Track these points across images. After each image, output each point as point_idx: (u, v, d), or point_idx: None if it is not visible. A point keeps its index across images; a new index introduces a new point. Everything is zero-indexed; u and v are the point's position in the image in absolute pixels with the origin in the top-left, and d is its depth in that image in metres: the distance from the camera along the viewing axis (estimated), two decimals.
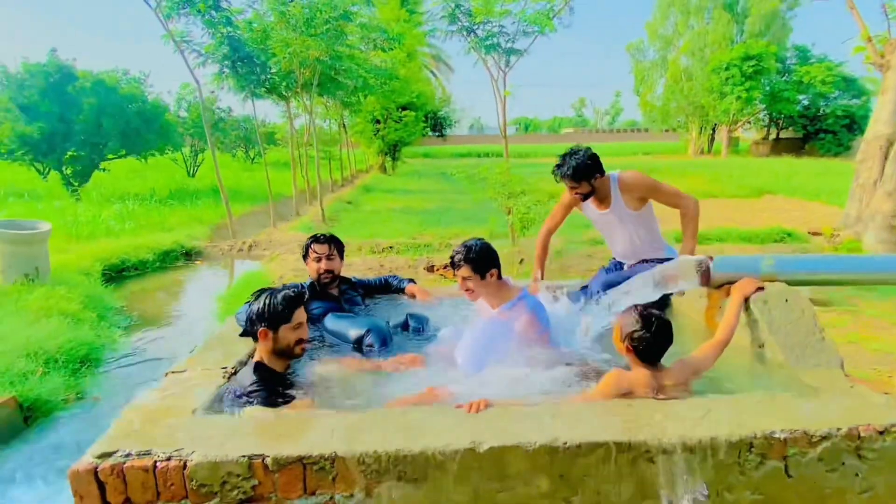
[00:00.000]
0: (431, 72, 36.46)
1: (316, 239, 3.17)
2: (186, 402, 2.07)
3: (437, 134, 36.68)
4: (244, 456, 1.71)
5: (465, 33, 7.37)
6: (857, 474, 1.88)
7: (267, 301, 2.27)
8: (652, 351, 2.17)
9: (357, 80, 12.44)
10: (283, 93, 12.49)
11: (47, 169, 13.67)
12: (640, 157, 41.45)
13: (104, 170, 14.53)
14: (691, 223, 3.19)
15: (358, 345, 2.78)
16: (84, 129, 12.98)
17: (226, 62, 10.50)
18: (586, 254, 8.11)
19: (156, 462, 1.71)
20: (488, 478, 1.78)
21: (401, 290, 3.41)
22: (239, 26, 10.51)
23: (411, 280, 3.47)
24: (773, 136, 40.72)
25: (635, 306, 2.23)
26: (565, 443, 1.79)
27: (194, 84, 10.58)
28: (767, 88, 35.17)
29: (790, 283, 2.70)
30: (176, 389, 2.19)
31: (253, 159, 27.54)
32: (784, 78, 36.33)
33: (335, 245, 3.17)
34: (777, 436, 1.84)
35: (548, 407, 2.00)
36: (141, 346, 4.94)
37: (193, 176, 20.42)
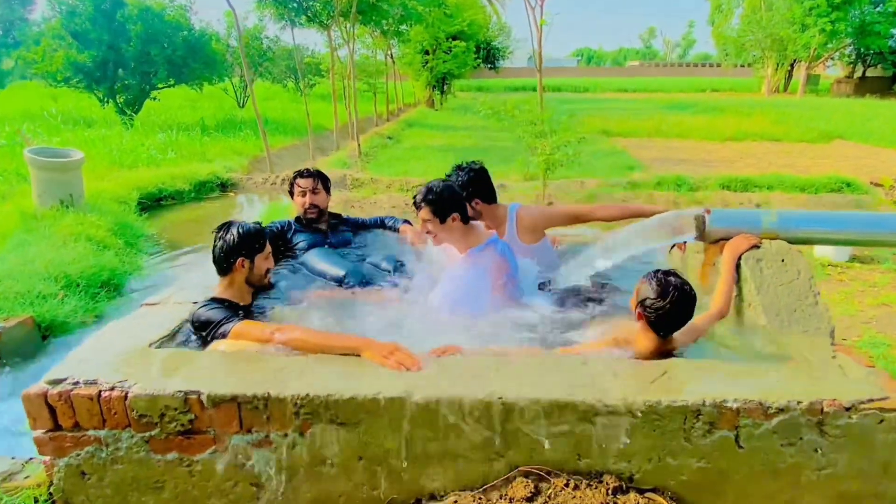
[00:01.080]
0: None
1: (300, 173, 3.13)
2: (147, 334, 2.13)
3: (489, 66, 35.29)
4: (181, 391, 1.77)
5: None
6: (816, 450, 1.77)
7: (240, 231, 2.29)
8: (666, 323, 2.03)
9: (398, 7, 12.01)
10: (325, 21, 12.25)
11: (105, 97, 14.10)
12: (709, 94, 38.89)
13: (155, 98, 14.85)
14: (612, 209, 3.13)
15: (337, 285, 2.79)
16: (133, 56, 13.20)
17: None
18: (621, 199, 7.80)
19: (100, 392, 1.79)
20: (419, 426, 1.77)
21: (395, 230, 3.36)
22: None
23: (406, 221, 3.40)
24: (858, 74, 37.14)
25: (657, 271, 2.07)
26: (500, 398, 1.76)
27: (235, 11, 10.49)
28: (856, 20, 31.73)
29: (792, 241, 2.49)
30: (143, 321, 2.27)
31: (302, 91, 27.51)
32: (877, 8, 32.60)
33: (320, 179, 3.13)
34: (729, 405, 1.74)
35: (493, 361, 1.95)
36: (167, 273, 5.16)
37: (243, 106, 20.63)
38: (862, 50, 34.83)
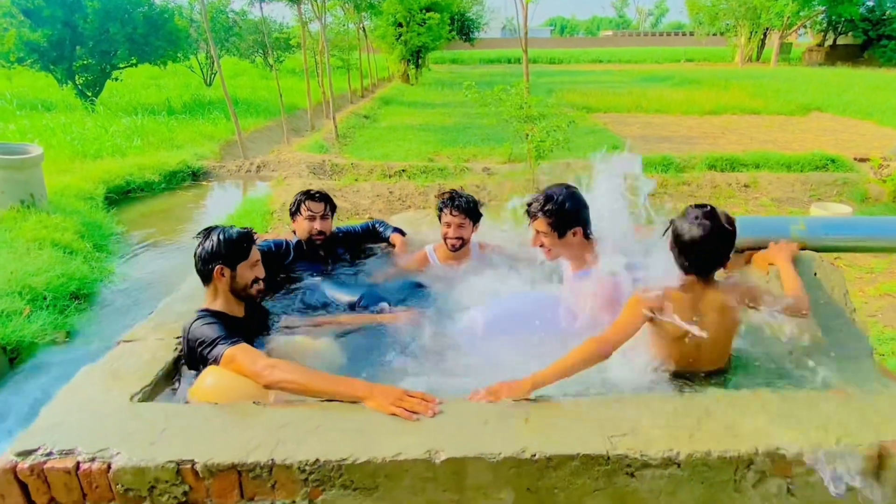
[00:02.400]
0: None
1: (311, 196, 2.90)
2: (126, 383, 1.90)
3: (464, 38, 34.56)
4: (172, 461, 1.55)
5: None
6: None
7: (221, 237, 2.10)
8: (702, 258, 1.88)
9: None
10: None
11: (64, 78, 13.33)
12: (684, 65, 38.86)
13: (116, 79, 14.12)
14: None
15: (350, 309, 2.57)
16: (91, 34, 12.46)
17: None
18: None
19: (79, 463, 1.56)
20: (445, 489, 1.59)
21: (385, 240, 3.14)
22: None
23: (398, 230, 3.17)
24: (829, 42, 37.44)
25: (693, 206, 1.93)
26: (534, 454, 1.58)
27: None
28: None
29: (821, 249, 2.35)
30: (120, 364, 2.02)
31: (272, 66, 26.62)
32: None
33: (329, 205, 2.92)
34: (782, 452, 1.59)
35: (523, 409, 1.76)
36: (141, 277, 4.86)
37: (210, 84, 19.85)
38: (833, 18, 35.01)
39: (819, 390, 1.89)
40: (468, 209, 2.80)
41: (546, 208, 2.16)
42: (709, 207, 1.90)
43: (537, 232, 2.22)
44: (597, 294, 2.18)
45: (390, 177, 7.93)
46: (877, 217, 4.01)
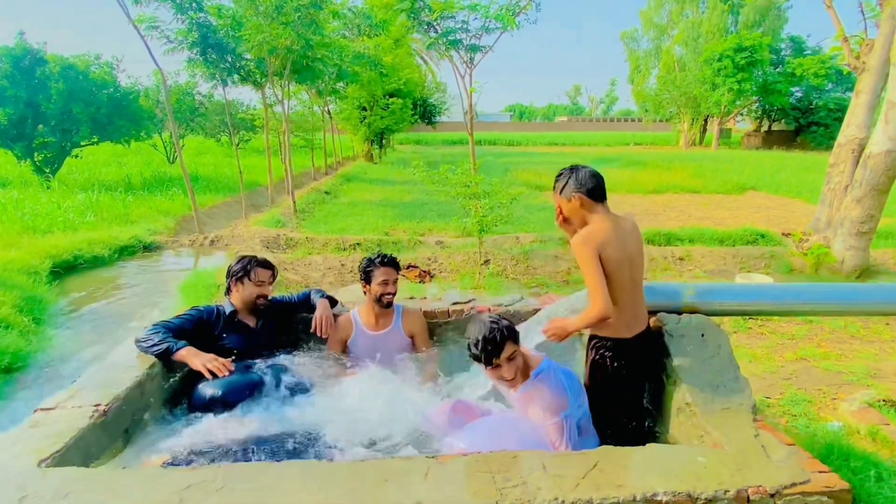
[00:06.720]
0: (422, 58, 35.92)
1: (260, 263, 2.97)
2: (38, 448, 1.91)
3: (426, 122, 36.18)
4: None
5: (426, 28, 7.13)
6: None
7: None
8: (599, 190, 2.39)
9: (333, 68, 12.17)
10: (258, 80, 12.23)
11: (23, 156, 13.35)
12: (632, 148, 41.30)
13: (76, 156, 14.21)
14: None
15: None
16: (53, 114, 12.67)
17: (195, 49, 10.23)
18: (553, 254, 7.98)
19: None
20: None
21: (314, 308, 3.20)
22: (210, 12, 10.22)
23: (330, 297, 3.26)
24: (765, 128, 40.56)
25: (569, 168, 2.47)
26: None
27: (162, 70, 10.31)
28: (760, 80, 34.92)
29: (712, 313, 2.57)
30: (35, 432, 2.04)
31: (237, 145, 27.17)
32: (777, 69, 36.07)
33: (273, 271, 3.02)
34: (659, 498, 1.72)
35: (421, 463, 1.86)
36: (73, 348, 4.78)
37: (173, 162, 20.09)
38: (766, 106, 38.14)
39: (698, 445, 2.04)
40: (396, 263, 3.03)
41: (489, 349, 2.22)
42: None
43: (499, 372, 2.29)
44: (537, 400, 2.27)
45: (344, 250, 8.09)
46: (753, 284, 4.35)
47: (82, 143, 14.14)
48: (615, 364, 2.37)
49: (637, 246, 2.42)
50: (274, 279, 3.04)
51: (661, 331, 2.51)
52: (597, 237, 2.29)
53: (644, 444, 2.42)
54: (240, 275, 2.95)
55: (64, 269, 6.80)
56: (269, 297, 3.03)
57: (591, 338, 2.46)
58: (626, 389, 2.42)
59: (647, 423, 2.56)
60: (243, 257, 3.06)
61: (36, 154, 13.40)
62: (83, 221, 8.84)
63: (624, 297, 2.33)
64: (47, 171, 13.40)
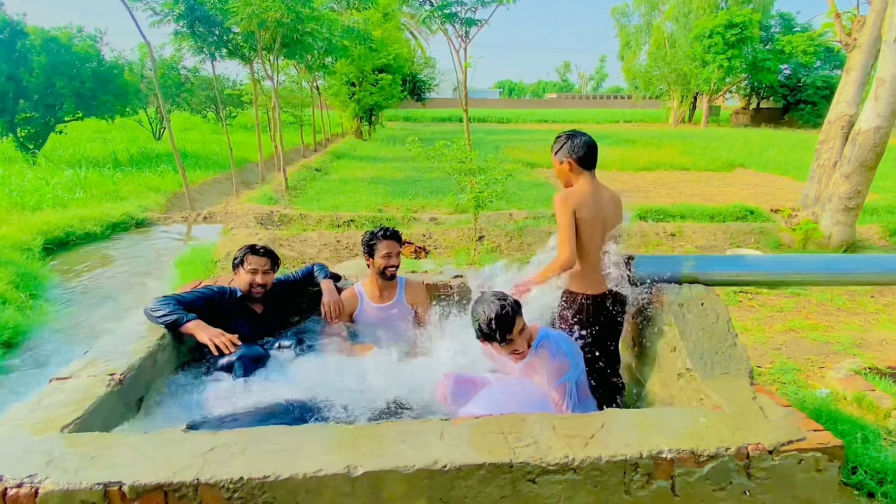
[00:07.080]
0: (411, 33, 35.44)
1: (254, 251, 2.97)
2: (59, 415, 1.95)
3: (416, 98, 35.82)
4: (99, 483, 1.62)
5: (421, 1, 7.06)
6: (745, 493, 1.85)
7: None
8: (588, 159, 2.60)
9: (323, 42, 11.99)
10: (247, 55, 12.03)
11: (5, 131, 13.08)
12: (622, 125, 41.28)
13: (61, 132, 13.95)
14: None
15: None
16: (36, 88, 12.39)
17: (182, 21, 10.03)
18: (548, 230, 8.05)
19: (6, 490, 1.61)
20: (363, 503, 1.71)
21: (318, 285, 3.23)
22: None
23: (332, 276, 3.30)
24: (753, 105, 40.69)
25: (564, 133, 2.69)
26: (445, 465, 1.73)
27: (149, 43, 10.09)
28: (749, 57, 34.89)
29: (709, 283, 2.65)
30: (53, 400, 2.07)
31: (224, 121, 26.76)
32: (766, 47, 36.04)
33: (272, 260, 3.01)
34: (664, 455, 1.80)
35: (436, 424, 1.93)
36: (75, 322, 4.79)
37: (160, 139, 19.79)
38: (755, 84, 38.19)
39: (699, 407, 2.13)
40: (399, 236, 3.07)
41: (503, 326, 2.26)
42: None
43: (511, 346, 2.34)
44: (540, 368, 2.37)
45: (339, 227, 8.09)
46: (750, 255, 4.46)
47: (66, 119, 13.88)
48: (587, 317, 2.60)
49: (614, 214, 2.68)
50: (271, 267, 3.00)
51: (620, 295, 2.69)
52: (575, 197, 2.55)
53: (616, 396, 2.67)
54: (235, 262, 3.01)
55: (56, 246, 6.75)
56: (268, 285, 2.98)
57: (564, 293, 2.67)
58: (596, 342, 2.62)
59: (619, 381, 2.73)
60: (244, 247, 3.06)
61: (19, 129, 13.13)
62: (72, 198, 8.73)
63: (593, 256, 2.62)
64: (31, 146, 13.15)
